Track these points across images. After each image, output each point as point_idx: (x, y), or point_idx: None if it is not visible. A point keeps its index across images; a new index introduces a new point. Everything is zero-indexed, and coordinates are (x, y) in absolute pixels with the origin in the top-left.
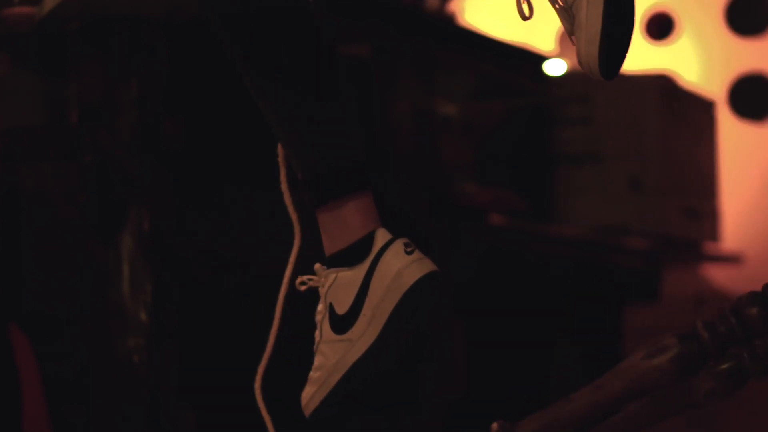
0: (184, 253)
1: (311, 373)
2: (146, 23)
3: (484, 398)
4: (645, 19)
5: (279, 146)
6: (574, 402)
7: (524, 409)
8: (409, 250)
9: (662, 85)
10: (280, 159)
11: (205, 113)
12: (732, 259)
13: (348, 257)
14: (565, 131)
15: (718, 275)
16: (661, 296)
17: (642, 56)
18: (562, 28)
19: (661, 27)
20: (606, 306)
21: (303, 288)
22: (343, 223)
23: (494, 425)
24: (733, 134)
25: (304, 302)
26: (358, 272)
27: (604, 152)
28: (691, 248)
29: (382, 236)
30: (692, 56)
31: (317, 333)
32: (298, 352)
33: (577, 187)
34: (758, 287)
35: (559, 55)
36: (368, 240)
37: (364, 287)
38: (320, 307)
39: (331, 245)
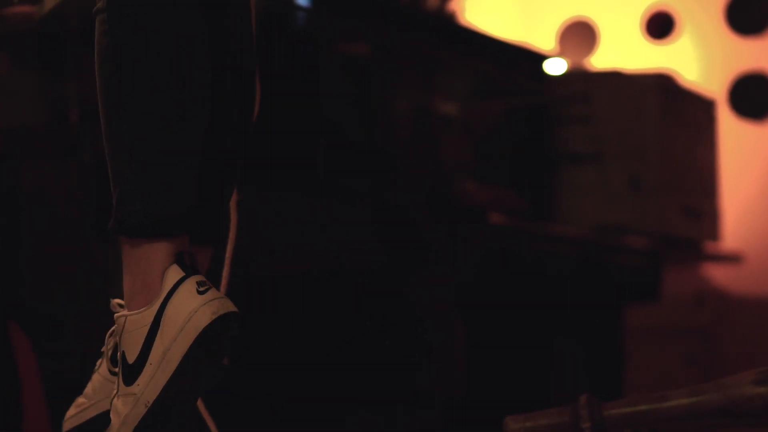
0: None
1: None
2: None
3: (485, 397)
4: (645, 19)
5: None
6: (670, 400)
7: (524, 408)
8: (202, 289)
9: (662, 83)
10: None
11: None
12: (732, 259)
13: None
14: (565, 130)
15: (718, 274)
16: (661, 295)
17: (642, 55)
18: (563, 27)
19: (661, 26)
20: (606, 305)
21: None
22: (140, 260)
23: (582, 397)
24: (733, 133)
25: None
26: (147, 315)
27: (604, 151)
28: (691, 247)
29: (173, 274)
30: (692, 55)
31: (115, 385)
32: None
33: (578, 186)
34: (758, 287)
35: (560, 54)
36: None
37: (152, 332)
38: (118, 354)
39: (128, 285)
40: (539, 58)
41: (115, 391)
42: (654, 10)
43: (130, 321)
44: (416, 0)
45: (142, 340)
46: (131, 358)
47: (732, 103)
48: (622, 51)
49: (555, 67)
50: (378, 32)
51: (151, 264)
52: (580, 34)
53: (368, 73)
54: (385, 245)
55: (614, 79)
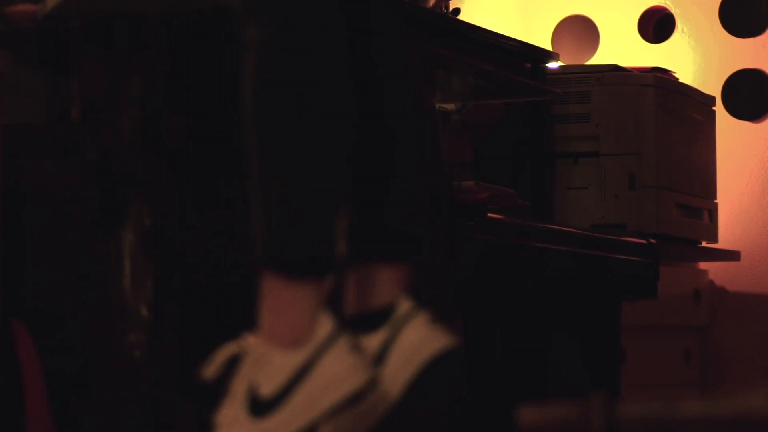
0: (185, 249)
1: None
2: (147, 20)
3: (483, 394)
4: (640, 18)
5: None
6: (682, 408)
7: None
8: (354, 347)
9: (660, 81)
10: None
11: (206, 110)
12: (729, 256)
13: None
14: (563, 128)
15: (715, 272)
16: (658, 293)
17: (637, 55)
18: (559, 24)
19: (656, 26)
20: (604, 302)
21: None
22: (289, 298)
23: (597, 395)
24: (729, 132)
25: None
26: (295, 357)
27: (602, 149)
28: (688, 245)
29: (326, 323)
30: (687, 55)
31: (230, 401)
32: None
33: (576, 184)
34: (755, 284)
35: (558, 53)
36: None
37: (298, 376)
38: (240, 376)
39: (271, 318)
40: (538, 56)
41: (230, 412)
42: (649, 9)
43: (274, 354)
44: None
45: (285, 379)
46: (267, 391)
47: (727, 103)
48: (620, 50)
49: (554, 65)
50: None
51: (301, 304)
52: (579, 32)
53: None
54: None
55: (612, 77)
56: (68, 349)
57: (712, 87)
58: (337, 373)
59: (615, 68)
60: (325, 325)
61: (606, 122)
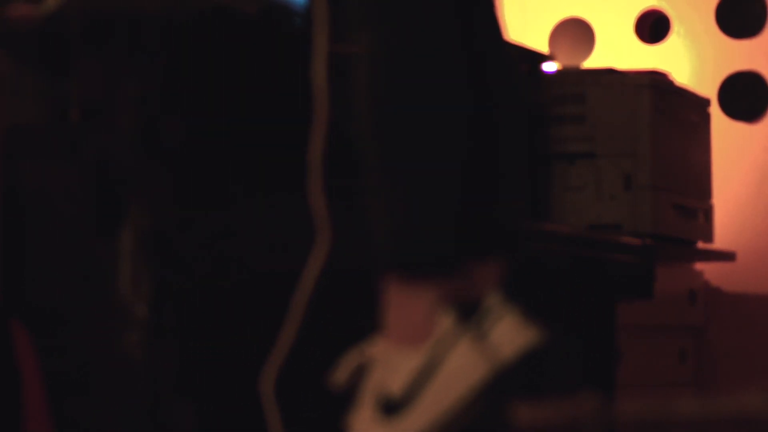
0: (184, 250)
1: None
2: (146, 21)
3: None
4: (636, 19)
5: (311, 149)
6: (679, 407)
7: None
8: (478, 341)
9: (656, 83)
10: (313, 164)
11: (206, 110)
12: (724, 257)
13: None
14: (559, 129)
15: (710, 272)
16: (654, 293)
17: (633, 57)
18: (555, 26)
19: (652, 27)
20: (600, 303)
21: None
22: (411, 297)
23: (591, 395)
24: (724, 133)
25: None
26: (419, 355)
27: (598, 150)
28: (684, 246)
29: (447, 319)
30: (683, 57)
31: (363, 403)
32: (307, 354)
33: (571, 185)
34: (750, 284)
35: (554, 54)
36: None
37: (423, 375)
38: (371, 379)
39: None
40: (534, 57)
41: (365, 413)
42: (644, 11)
43: (400, 355)
44: None
45: (413, 377)
46: (397, 391)
47: (723, 104)
48: (616, 52)
49: (549, 66)
50: None
51: (424, 303)
52: (575, 34)
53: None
54: None
55: (608, 78)
56: (68, 349)
57: (708, 88)
58: (461, 366)
59: (611, 71)
60: (446, 321)
61: (602, 123)
